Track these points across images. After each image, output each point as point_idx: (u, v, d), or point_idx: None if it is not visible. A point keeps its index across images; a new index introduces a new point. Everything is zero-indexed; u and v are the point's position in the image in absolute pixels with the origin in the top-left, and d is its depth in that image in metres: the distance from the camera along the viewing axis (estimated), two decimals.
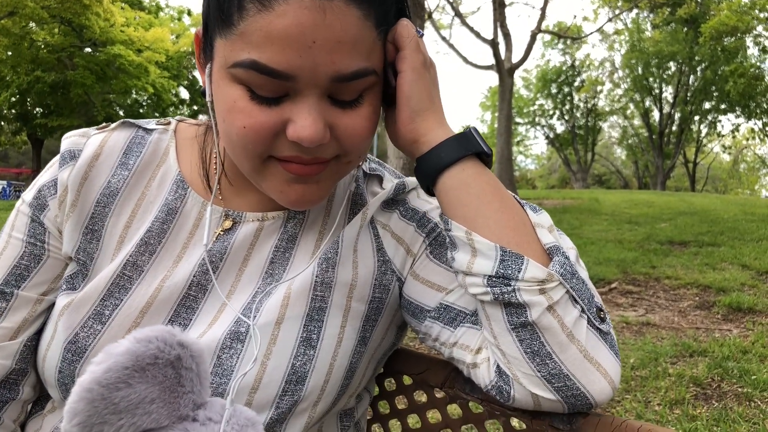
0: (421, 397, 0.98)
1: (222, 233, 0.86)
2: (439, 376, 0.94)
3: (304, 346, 0.80)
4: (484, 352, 0.80)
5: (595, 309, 0.75)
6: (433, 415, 1.00)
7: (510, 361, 0.74)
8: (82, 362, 0.79)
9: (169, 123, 0.95)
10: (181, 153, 0.92)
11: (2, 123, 32.93)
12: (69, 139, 0.90)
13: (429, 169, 0.79)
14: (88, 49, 28.11)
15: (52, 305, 0.86)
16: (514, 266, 0.72)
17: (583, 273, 0.77)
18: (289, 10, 0.65)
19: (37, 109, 30.36)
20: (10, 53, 24.42)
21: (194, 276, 0.83)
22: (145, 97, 31.84)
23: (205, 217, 0.86)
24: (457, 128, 0.84)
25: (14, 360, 0.84)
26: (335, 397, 0.82)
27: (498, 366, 0.77)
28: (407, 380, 1.01)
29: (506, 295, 0.72)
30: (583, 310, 0.73)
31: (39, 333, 0.86)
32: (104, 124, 0.94)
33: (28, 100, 29.24)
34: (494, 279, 0.72)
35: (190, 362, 0.61)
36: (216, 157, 0.89)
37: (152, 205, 0.87)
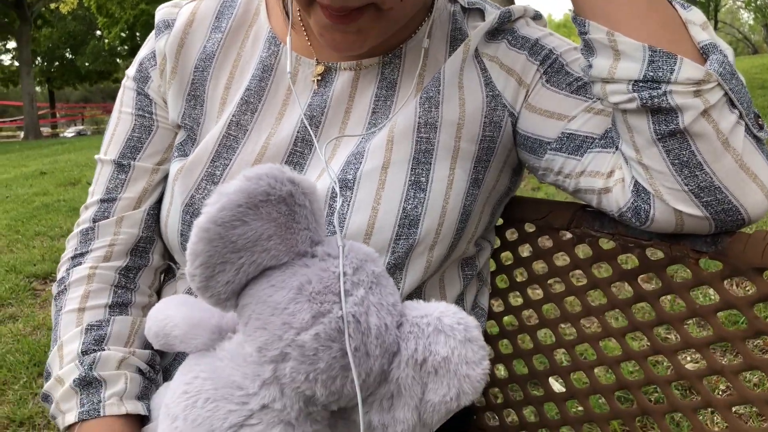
0: (546, 242, 0.93)
1: (319, 88, 0.83)
2: (564, 218, 0.89)
3: (414, 189, 0.77)
4: (617, 173, 0.72)
5: (753, 115, 0.66)
6: (561, 259, 0.95)
7: (653, 176, 0.67)
8: None
9: None
10: (271, 10, 0.89)
11: (118, 60, 34.56)
12: (162, 11, 0.90)
13: None
14: None
15: (168, 175, 0.88)
16: (665, 67, 0.62)
17: (741, 76, 0.67)
18: None
19: None
20: None
21: (298, 132, 0.82)
22: None
23: (284, 58, 0.84)
24: None
25: (140, 228, 0.87)
26: (452, 240, 0.80)
27: (636, 184, 0.70)
28: (529, 227, 0.96)
29: (656, 100, 0.63)
30: (740, 116, 0.64)
31: (159, 203, 0.89)
32: None
33: (137, 34, 30.36)
34: (641, 84, 0.64)
35: (303, 199, 0.60)
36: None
37: (248, 65, 0.86)
